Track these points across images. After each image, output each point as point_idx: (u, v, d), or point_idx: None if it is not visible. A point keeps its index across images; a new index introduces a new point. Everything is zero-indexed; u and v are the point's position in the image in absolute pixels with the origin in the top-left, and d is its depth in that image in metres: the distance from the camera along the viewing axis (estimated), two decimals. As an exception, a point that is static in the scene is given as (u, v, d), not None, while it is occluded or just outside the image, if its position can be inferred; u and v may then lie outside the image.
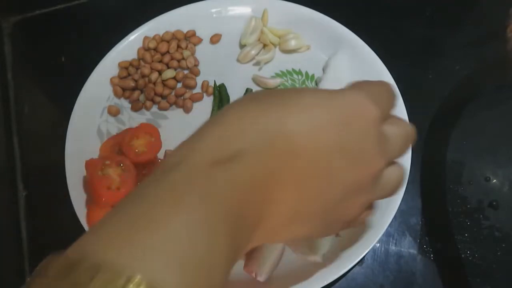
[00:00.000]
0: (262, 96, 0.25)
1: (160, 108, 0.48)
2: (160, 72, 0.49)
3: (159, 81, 0.48)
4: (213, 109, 0.47)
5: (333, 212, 0.26)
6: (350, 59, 0.48)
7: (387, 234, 0.43)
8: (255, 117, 0.23)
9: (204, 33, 0.51)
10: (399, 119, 0.28)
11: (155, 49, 0.50)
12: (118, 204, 0.20)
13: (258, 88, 0.48)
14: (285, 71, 0.49)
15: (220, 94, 0.48)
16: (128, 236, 0.18)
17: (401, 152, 0.28)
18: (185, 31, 0.51)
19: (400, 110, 0.45)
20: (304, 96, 0.24)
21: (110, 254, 0.18)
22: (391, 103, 0.28)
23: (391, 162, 0.27)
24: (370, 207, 0.30)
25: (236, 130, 0.23)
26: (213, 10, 0.51)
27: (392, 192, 0.28)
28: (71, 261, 0.18)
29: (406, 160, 0.42)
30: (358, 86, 0.27)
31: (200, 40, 0.51)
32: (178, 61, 0.50)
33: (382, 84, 0.28)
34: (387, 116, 0.27)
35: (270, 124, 0.23)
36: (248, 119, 0.23)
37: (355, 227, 0.30)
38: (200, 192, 0.20)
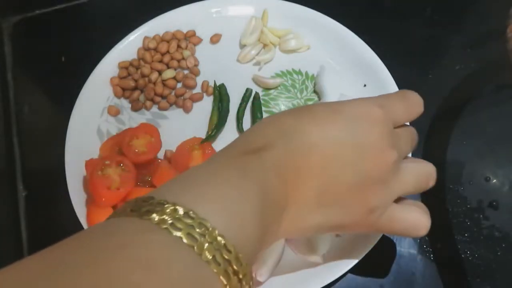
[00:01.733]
0: (288, 110, 0.31)
1: (160, 108, 0.48)
2: (160, 72, 0.49)
3: (159, 81, 0.48)
4: (213, 109, 0.47)
5: (353, 199, 0.29)
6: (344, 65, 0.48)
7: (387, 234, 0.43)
8: (277, 120, 0.29)
9: (204, 33, 0.51)
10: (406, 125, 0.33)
11: (155, 49, 0.50)
12: (178, 175, 0.26)
13: (258, 88, 0.48)
14: (285, 71, 0.49)
15: (220, 94, 0.48)
16: (184, 188, 0.24)
17: (410, 148, 0.33)
18: (185, 31, 0.51)
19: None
20: (318, 106, 0.30)
21: (173, 197, 0.23)
22: (403, 111, 0.32)
23: (414, 160, 0.32)
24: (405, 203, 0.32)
25: (263, 130, 0.29)
26: (213, 10, 0.51)
27: (416, 187, 0.32)
28: (143, 199, 0.23)
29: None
30: (367, 98, 0.31)
31: (200, 40, 0.51)
32: (178, 61, 0.50)
33: (398, 96, 0.33)
34: (398, 121, 0.31)
35: (290, 126, 0.28)
36: (272, 122, 0.29)
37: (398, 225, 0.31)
38: (235, 168, 0.26)
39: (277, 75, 0.49)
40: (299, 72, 0.49)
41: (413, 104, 0.33)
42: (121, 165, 0.41)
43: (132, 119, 0.47)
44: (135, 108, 0.47)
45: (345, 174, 0.28)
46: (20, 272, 0.19)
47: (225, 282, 0.22)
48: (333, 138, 0.28)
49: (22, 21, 0.56)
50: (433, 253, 0.42)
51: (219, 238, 0.22)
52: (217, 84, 0.48)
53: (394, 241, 0.43)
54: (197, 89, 0.49)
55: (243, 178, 0.26)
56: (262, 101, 0.47)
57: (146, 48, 0.50)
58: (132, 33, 0.50)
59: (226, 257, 0.22)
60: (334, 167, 0.28)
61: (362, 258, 0.38)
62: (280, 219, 0.28)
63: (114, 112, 0.47)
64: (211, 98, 0.48)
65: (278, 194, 0.27)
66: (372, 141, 0.28)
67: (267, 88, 0.48)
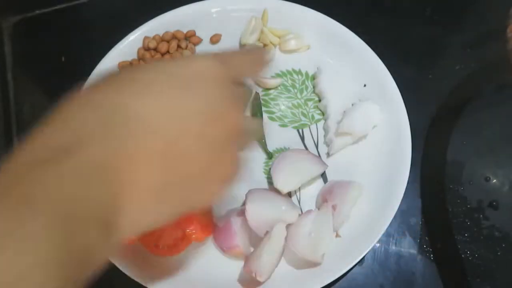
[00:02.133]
0: (108, 79, 0.24)
1: (160, 108, 0.47)
2: (160, 72, 0.49)
3: (159, 81, 0.48)
4: (213, 109, 0.47)
5: (204, 174, 0.25)
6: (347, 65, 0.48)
7: (387, 234, 0.43)
8: (94, 99, 0.23)
9: (204, 33, 0.51)
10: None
11: (155, 49, 0.50)
12: None
13: (258, 88, 0.48)
14: (285, 71, 0.49)
15: (220, 94, 0.48)
16: None
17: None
18: (185, 31, 0.51)
19: (400, 110, 0.45)
20: (145, 73, 0.24)
21: None
22: (246, 66, 0.29)
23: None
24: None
25: (78, 119, 0.22)
26: (213, 10, 0.51)
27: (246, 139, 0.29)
28: None
29: (406, 160, 0.42)
30: (205, 55, 0.27)
31: (200, 40, 0.51)
32: (178, 61, 0.50)
33: (244, 52, 0.30)
34: (238, 78, 0.28)
35: (112, 106, 0.22)
36: (87, 103, 0.22)
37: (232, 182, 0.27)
38: (15, 199, 0.18)
39: (277, 75, 0.49)
40: (299, 72, 0.49)
41: (255, 59, 0.30)
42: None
43: (132, 119, 0.47)
44: (135, 108, 0.47)
45: (190, 154, 0.24)
46: None
47: None
48: (167, 113, 0.23)
49: (22, 21, 0.56)
50: (433, 253, 0.42)
51: None
52: (217, 84, 0.48)
53: (393, 241, 0.43)
54: (197, 89, 0.49)
55: (27, 209, 0.18)
56: (262, 101, 0.47)
57: (146, 48, 0.50)
58: (132, 33, 0.50)
59: None
60: (175, 149, 0.23)
61: (361, 259, 0.38)
62: (113, 230, 0.21)
63: (114, 112, 0.47)
64: (211, 98, 0.48)
65: (96, 204, 0.20)
66: (212, 106, 0.24)
67: (267, 88, 0.48)
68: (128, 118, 0.22)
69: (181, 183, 0.24)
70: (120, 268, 0.38)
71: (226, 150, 0.25)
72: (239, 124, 0.26)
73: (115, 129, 0.21)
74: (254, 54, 0.31)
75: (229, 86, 0.26)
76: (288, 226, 0.40)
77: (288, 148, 0.45)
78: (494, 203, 0.42)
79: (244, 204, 0.40)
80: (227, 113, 0.25)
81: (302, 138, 0.46)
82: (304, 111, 0.47)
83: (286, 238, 0.39)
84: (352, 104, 0.46)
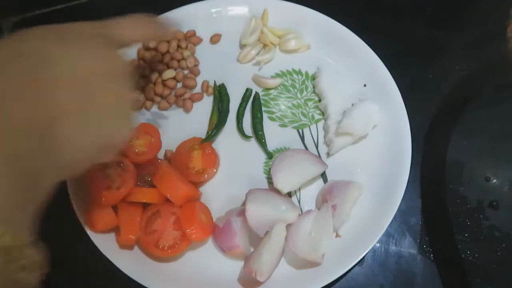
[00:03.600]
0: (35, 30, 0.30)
1: (160, 108, 0.47)
2: (160, 72, 0.49)
3: (159, 81, 0.48)
4: (213, 109, 0.47)
5: (115, 105, 0.31)
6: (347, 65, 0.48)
7: (387, 234, 0.43)
8: (20, 45, 0.27)
9: (204, 33, 0.51)
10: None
11: (155, 49, 0.50)
12: None
13: (258, 88, 0.48)
14: (285, 71, 0.49)
15: (220, 94, 0.48)
16: None
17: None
18: (185, 31, 0.51)
19: (400, 110, 0.45)
20: (66, 34, 0.31)
21: None
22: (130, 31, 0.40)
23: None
24: None
25: (7, 69, 0.26)
26: (213, 10, 0.51)
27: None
28: None
29: (406, 160, 0.42)
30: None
31: (200, 40, 0.51)
32: (178, 61, 0.50)
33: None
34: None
35: (33, 52, 0.27)
36: (15, 54, 0.27)
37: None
38: None
39: (277, 75, 0.49)
40: (299, 72, 0.49)
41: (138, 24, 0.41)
42: (121, 165, 0.41)
43: (132, 119, 0.47)
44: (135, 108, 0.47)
45: (101, 87, 0.30)
46: None
47: None
48: (80, 63, 0.29)
49: (22, 21, 0.56)
50: (433, 253, 0.42)
51: None
52: (217, 84, 0.48)
53: (393, 241, 0.43)
54: (197, 89, 0.49)
55: None
56: (262, 101, 0.47)
57: (146, 48, 0.50)
58: (132, 33, 0.50)
59: None
60: (88, 81, 0.29)
61: (361, 259, 0.38)
62: (52, 144, 0.26)
63: (114, 112, 0.47)
64: (211, 98, 0.48)
65: (38, 118, 0.25)
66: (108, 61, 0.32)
67: (267, 88, 0.48)
68: (48, 58, 0.27)
69: (100, 110, 0.30)
70: (120, 268, 0.38)
71: (124, 88, 0.33)
72: (125, 69, 0.34)
73: (39, 71, 0.26)
74: (138, 20, 0.40)
75: (114, 50, 0.34)
76: (288, 226, 0.40)
77: (288, 148, 0.45)
78: (494, 203, 0.42)
79: (244, 204, 0.40)
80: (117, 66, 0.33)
81: (302, 138, 0.46)
82: (304, 111, 0.47)
83: (286, 238, 0.39)
84: (352, 104, 0.46)
